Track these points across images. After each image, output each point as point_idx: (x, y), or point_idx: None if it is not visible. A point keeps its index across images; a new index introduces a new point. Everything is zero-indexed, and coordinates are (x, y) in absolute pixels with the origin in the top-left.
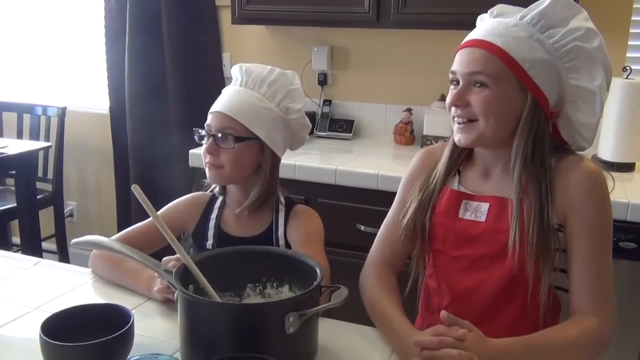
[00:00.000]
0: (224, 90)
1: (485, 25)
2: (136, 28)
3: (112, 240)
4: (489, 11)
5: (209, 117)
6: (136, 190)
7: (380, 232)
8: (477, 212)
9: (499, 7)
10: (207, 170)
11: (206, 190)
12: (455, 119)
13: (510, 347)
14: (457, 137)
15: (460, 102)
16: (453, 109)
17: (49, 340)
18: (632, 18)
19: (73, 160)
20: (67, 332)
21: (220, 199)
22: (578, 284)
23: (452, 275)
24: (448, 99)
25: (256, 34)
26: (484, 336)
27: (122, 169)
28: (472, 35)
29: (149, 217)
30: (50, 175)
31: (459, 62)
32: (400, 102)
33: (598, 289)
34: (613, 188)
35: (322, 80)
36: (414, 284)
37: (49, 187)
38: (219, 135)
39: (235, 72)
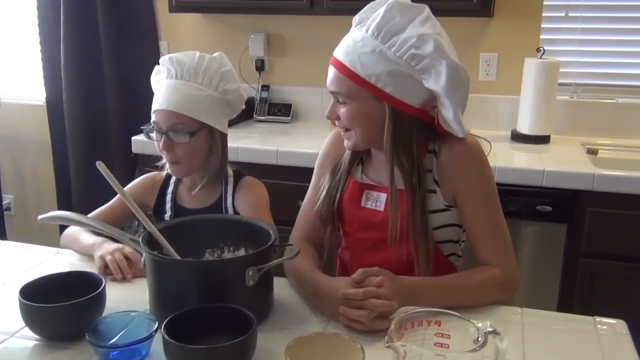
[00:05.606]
0: (158, 85)
1: (344, 42)
2: (71, 17)
3: (77, 214)
4: (353, 19)
5: (154, 115)
6: (101, 166)
7: (300, 212)
8: (377, 201)
9: (362, 12)
10: (168, 166)
11: (161, 170)
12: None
13: (422, 285)
14: (344, 142)
15: (332, 116)
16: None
17: (28, 302)
18: (544, 3)
19: (8, 152)
20: (43, 297)
21: (174, 177)
22: (479, 243)
23: (359, 253)
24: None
25: (193, 22)
26: (395, 276)
27: (60, 159)
28: (336, 50)
29: (93, 208)
30: None
31: (328, 80)
32: None
33: (497, 243)
34: (489, 151)
35: (260, 66)
36: (329, 257)
37: None
38: (172, 132)
39: (166, 64)
